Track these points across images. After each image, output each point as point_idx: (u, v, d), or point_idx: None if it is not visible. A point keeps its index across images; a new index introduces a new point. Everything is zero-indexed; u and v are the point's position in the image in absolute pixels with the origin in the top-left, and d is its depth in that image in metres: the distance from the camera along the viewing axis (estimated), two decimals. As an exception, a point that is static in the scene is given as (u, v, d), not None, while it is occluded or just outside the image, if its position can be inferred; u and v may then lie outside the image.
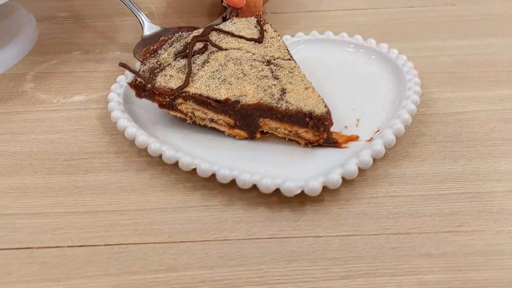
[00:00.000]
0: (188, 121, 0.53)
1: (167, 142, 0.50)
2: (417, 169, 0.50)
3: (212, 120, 0.52)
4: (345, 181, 0.47)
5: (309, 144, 0.50)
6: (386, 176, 0.49)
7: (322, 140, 0.50)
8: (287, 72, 0.53)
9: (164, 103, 0.52)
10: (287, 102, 0.49)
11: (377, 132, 0.51)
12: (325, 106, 0.49)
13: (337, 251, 0.43)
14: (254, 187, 0.46)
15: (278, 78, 0.52)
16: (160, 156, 0.48)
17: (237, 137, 0.52)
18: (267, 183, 0.45)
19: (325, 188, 0.46)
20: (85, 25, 0.78)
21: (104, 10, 0.83)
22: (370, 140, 0.50)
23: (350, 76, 0.61)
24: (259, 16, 0.62)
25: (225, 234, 0.44)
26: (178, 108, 0.52)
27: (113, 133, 0.54)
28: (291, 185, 0.45)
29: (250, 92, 0.50)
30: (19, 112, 0.59)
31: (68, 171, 0.51)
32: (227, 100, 0.49)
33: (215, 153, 0.50)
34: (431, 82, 0.62)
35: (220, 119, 0.51)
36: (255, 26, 0.60)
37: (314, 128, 0.49)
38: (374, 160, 0.48)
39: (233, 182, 0.46)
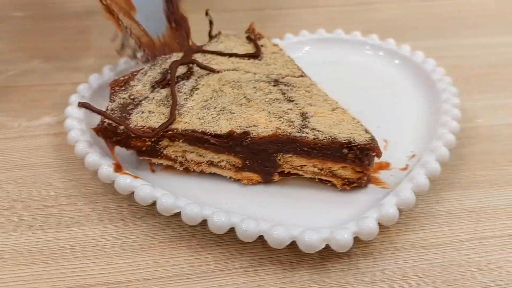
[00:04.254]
0: (179, 168, 0.39)
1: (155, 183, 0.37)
2: (475, 202, 0.39)
3: (211, 164, 0.38)
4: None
5: (348, 184, 0.38)
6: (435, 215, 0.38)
7: (365, 178, 0.37)
8: (303, 91, 0.41)
9: (144, 148, 0.38)
10: (313, 129, 0.37)
11: (412, 157, 0.40)
12: (367, 131, 0.37)
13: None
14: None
15: (293, 101, 0.40)
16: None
17: (245, 182, 0.38)
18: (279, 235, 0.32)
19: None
20: (47, 27, 0.64)
21: (69, 8, 0.69)
22: (406, 168, 0.39)
23: (370, 85, 0.50)
24: (250, 30, 0.50)
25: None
26: (164, 153, 0.38)
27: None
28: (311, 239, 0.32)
29: (261, 121, 0.37)
30: (-32, 142, 0.45)
31: (44, 225, 0.37)
32: (231, 133, 0.36)
33: (214, 198, 0.38)
34: (468, 87, 0.51)
35: (223, 161, 0.38)
36: (248, 42, 0.48)
37: (356, 162, 0.36)
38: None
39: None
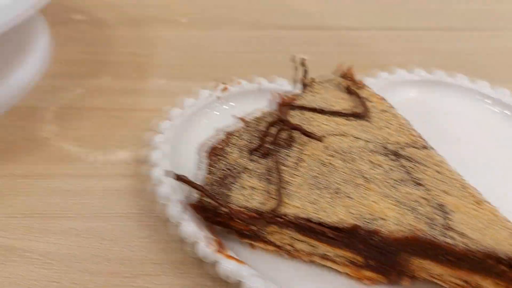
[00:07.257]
0: (285, 257, 0.34)
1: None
2: None
3: (324, 257, 0.33)
4: None
5: None
6: None
7: None
8: (434, 171, 0.34)
9: (246, 231, 0.34)
10: (461, 234, 0.30)
11: None
12: None
13: None
14: None
15: (422, 184, 0.33)
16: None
17: (366, 282, 0.33)
18: None
19: None
20: (108, 34, 0.59)
21: (127, 13, 0.64)
22: None
23: (502, 154, 0.41)
24: (347, 75, 0.42)
25: None
26: (269, 239, 0.34)
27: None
28: None
29: (389, 213, 0.31)
30: (41, 176, 0.40)
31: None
32: (355, 228, 0.31)
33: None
34: None
35: (340, 255, 0.33)
36: (347, 93, 0.41)
37: None
38: None
39: None
